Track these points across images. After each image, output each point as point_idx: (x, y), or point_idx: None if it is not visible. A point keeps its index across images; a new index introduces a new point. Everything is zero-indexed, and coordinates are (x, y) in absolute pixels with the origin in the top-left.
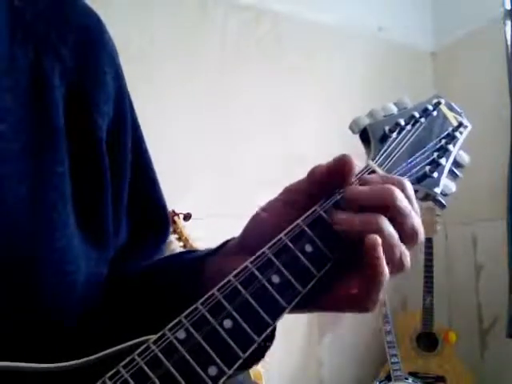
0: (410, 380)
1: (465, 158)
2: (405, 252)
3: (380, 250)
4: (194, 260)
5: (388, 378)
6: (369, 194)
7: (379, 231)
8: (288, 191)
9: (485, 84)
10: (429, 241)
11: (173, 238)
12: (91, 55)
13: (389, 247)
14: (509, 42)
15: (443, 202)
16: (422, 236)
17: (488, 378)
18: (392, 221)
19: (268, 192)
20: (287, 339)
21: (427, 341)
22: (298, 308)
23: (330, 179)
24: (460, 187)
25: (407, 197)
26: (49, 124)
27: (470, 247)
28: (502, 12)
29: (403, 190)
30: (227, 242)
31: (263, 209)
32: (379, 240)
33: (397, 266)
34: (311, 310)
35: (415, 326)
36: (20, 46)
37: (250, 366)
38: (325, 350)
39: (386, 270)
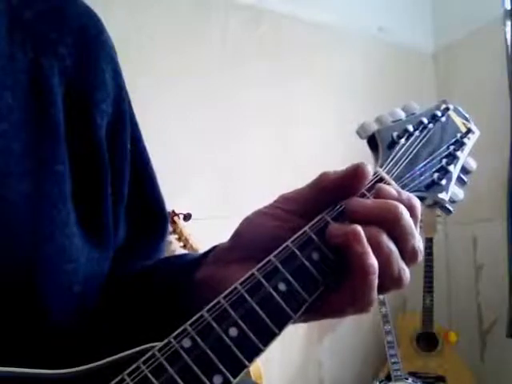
0: (410, 380)
1: (472, 164)
2: (404, 268)
3: (363, 242)
4: (187, 264)
5: (388, 378)
6: (371, 208)
7: (377, 246)
8: (286, 200)
9: (485, 84)
10: (429, 241)
11: (173, 238)
12: (90, 54)
13: (387, 262)
14: (509, 42)
15: (451, 209)
16: (422, 256)
17: (488, 377)
18: (393, 238)
19: (268, 192)
20: (287, 339)
21: (427, 341)
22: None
23: (340, 187)
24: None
25: (414, 216)
26: (48, 123)
27: (470, 247)
28: (502, 12)
29: (412, 209)
30: (216, 246)
31: (258, 214)
32: (361, 233)
33: (395, 281)
34: (308, 319)
35: (415, 326)
36: (19, 46)
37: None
38: (325, 350)
39: (373, 264)
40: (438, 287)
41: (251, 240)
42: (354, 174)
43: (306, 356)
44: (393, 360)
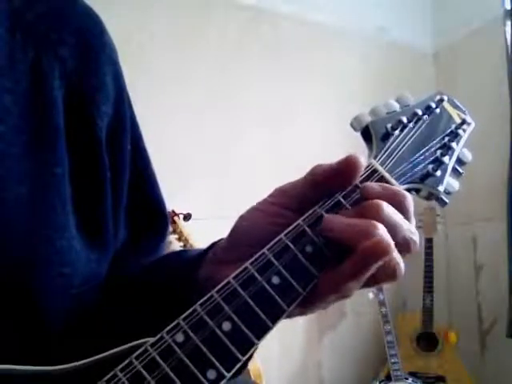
0: (410, 380)
1: (468, 155)
2: (398, 261)
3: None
4: (187, 263)
5: (388, 377)
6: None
7: (372, 237)
8: (281, 193)
9: (485, 84)
10: (429, 241)
11: (173, 238)
12: (91, 56)
13: (382, 253)
14: (509, 42)
15: (446, 200)
16: (416, 246)
17: (488, 377)
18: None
19: (268, 192)
20: (287, 339)
21: (427, 341)
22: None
23: (333, 180)
24: (460, 187)
25: (402, 209)
26: (48, 125)
27: (470, 247)
28: (502, 12)
29: (399, 203)
30: (215, 243)
31: (252, 211)
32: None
33: (390, 274)
34: (305, 311)
35: (415, 326)
36: (20, 47)
37: (243, 370)
38: (324, 350)
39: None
40: (438, 287)
41: (247, 238)
42: (346, 165)
43: (305, 356)
44: (393, 360)
